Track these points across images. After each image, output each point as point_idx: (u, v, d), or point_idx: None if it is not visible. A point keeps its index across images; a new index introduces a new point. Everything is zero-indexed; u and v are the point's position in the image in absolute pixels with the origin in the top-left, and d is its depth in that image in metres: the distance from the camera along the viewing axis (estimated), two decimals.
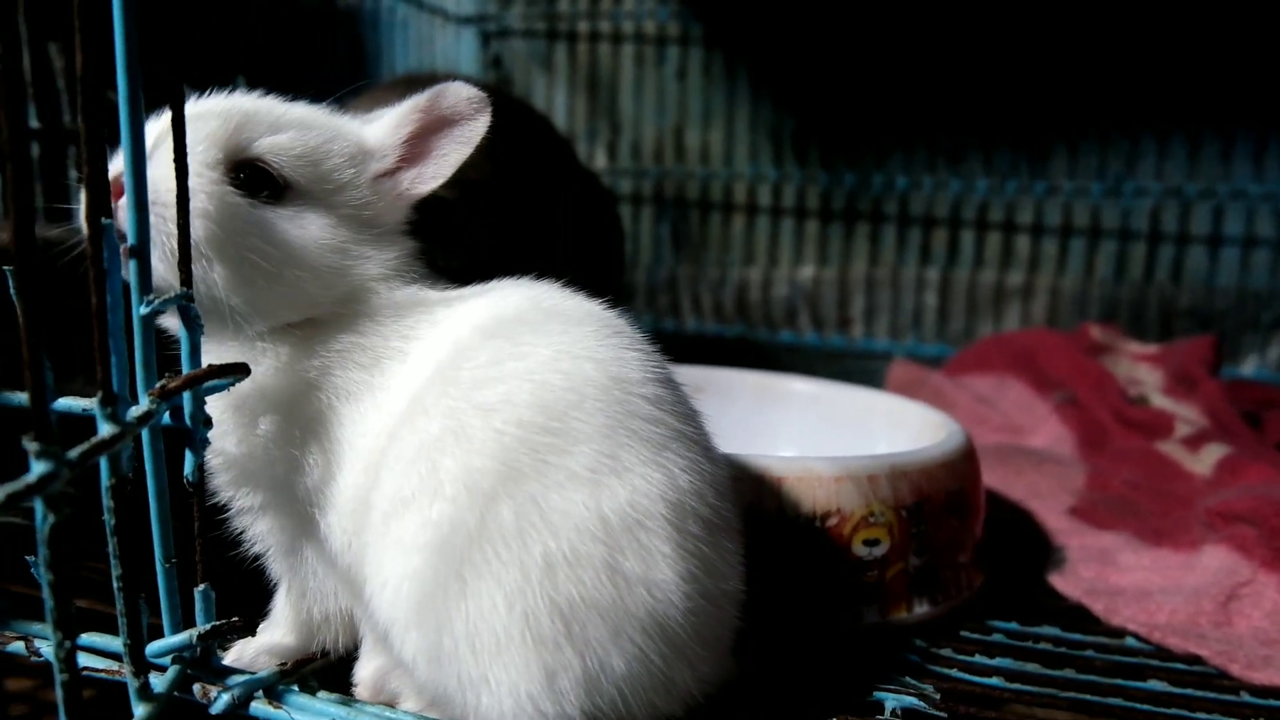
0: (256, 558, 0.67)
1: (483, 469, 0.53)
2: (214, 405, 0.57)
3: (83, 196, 0.59)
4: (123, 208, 0.52)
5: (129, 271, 0.51)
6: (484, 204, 1.19)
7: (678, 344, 0.64)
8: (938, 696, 0.71)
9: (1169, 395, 1.54)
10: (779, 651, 0.78)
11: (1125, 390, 1.57)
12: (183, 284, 0.54)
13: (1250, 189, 1.78)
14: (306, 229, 0.62)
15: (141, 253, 0.51)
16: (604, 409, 0.55)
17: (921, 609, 0.84)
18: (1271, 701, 0.75)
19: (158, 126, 0.57)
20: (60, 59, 1.18)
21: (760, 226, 2.08)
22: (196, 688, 0.57)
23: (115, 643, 0.62)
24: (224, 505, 0.65)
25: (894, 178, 1.96)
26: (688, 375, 0.66)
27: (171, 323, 0.59)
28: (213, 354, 0.60)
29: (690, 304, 2.13)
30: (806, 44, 1.96)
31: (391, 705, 0.61)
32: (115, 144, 0.51)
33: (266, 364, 0.61)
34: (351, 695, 0.64)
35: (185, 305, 0.54)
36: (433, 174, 0.68)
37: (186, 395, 0.54)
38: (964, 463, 0.91)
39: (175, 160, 0.52)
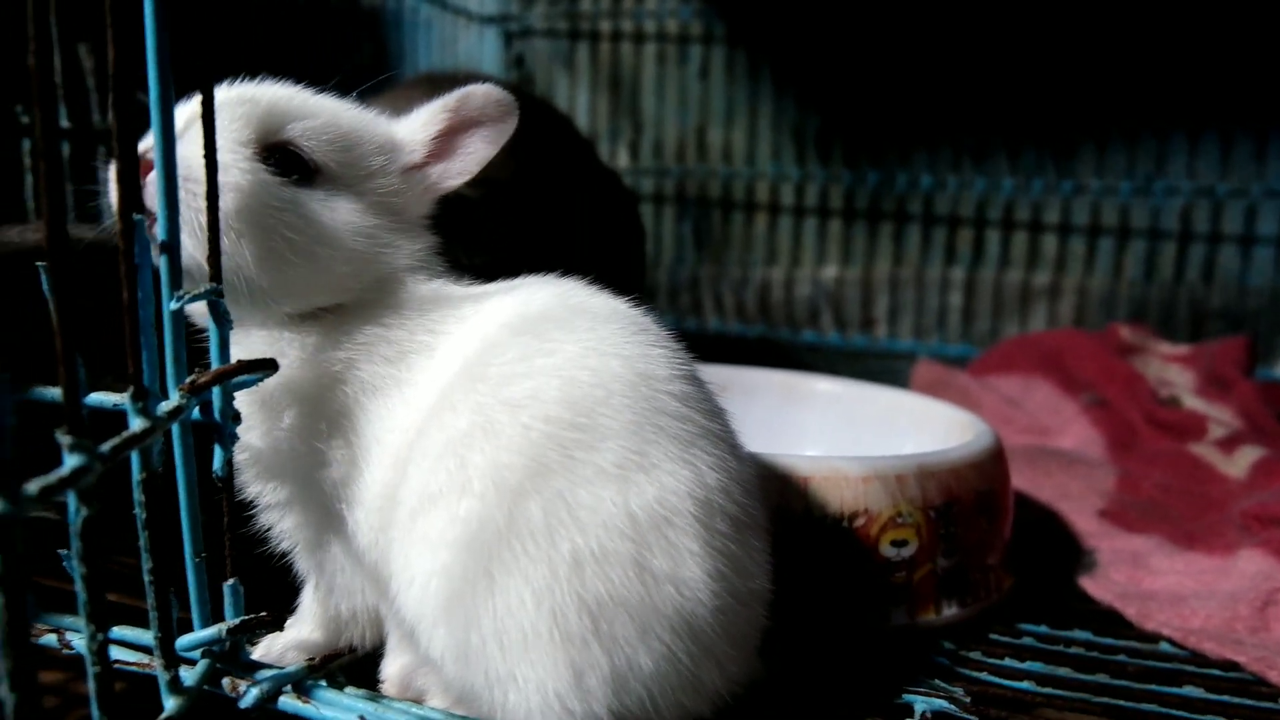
0: (284, 554, 0.67)
1: (511, 465, 0.53)
2: (239, 399, 0.57)
3: (114, 190, 0.60)
4: (150, 183, 0.52)
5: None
6: (507, 202, 1.19)
7: (700, 344, 0.64)
8: (968, 700, 0.70)
9: (1201, 396, 1.51)
10: (806, 653, 0.78)
11: (1156, 391, 1.55)
12: (212, 278, 0.54)
13: None
14: (336, 212, 0.63)
15: (172, 247, 0.51)
16: (631, 405, 0.55)
17: (950, 611, 0.83)
18: None
19: (187, 110, 0.58)
20: (89, 59, 1.19)
21: (783, 226, 2.07)
22: (225, 682, 0.57)
23: (145, 636, 0.62)
24: (250, 501, 0.65)
25: (918, 177, 1.94)
26: (711, 375, 0.66)
27: (197, 312, 0.59)
28: (237, 346, 0.60)
29: (712, 304, 2.12)
30: (830, 42, 1.94)
31: (419, 702, 0.61)
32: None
33: (292, 356, 0.61)
34: (378, 692, 0.63)
35: (215, 300, 0.54)
36: (459, 170, 0.69)
37: (215, 390, 0.54)
38: (993, 463, 0.90)
39: (205, 150, 0.52)
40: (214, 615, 0.57)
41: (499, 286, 0.67)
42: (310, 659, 0.64)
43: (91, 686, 0.44)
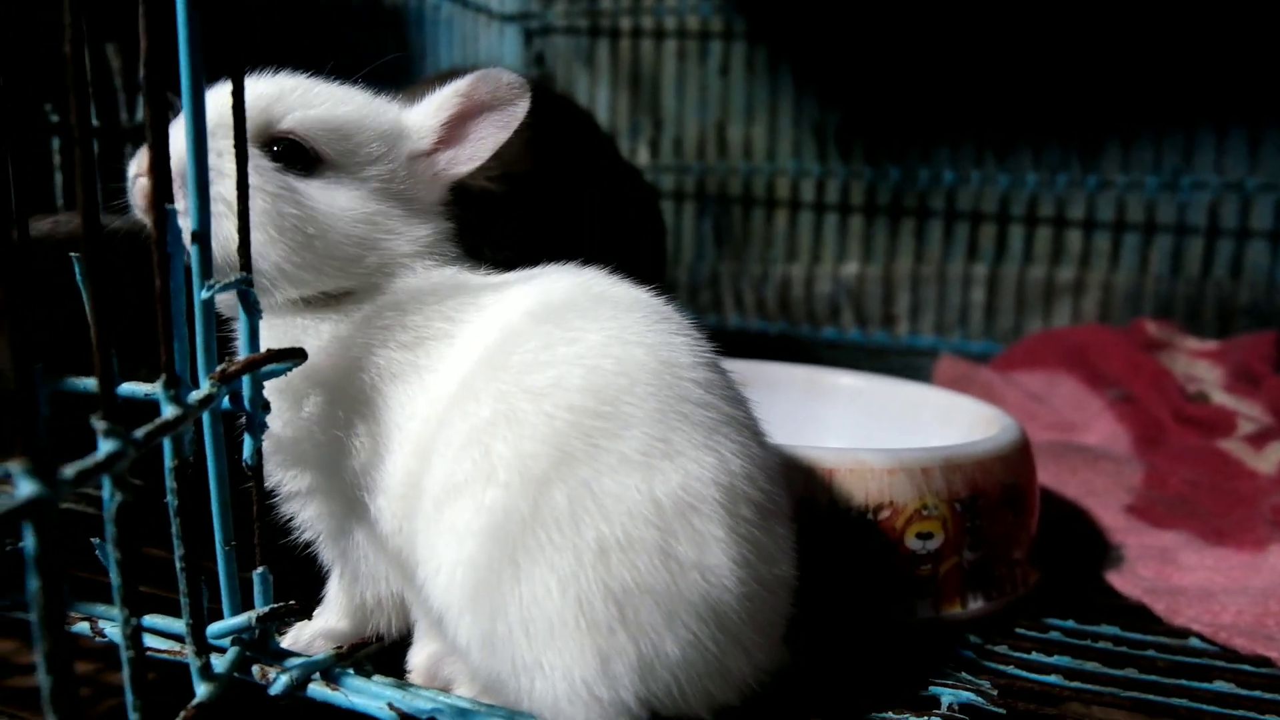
0: (308, 545, 0.68)
1: (535, 454, 0.53)
2: None
3: (138, 186, 0.61)
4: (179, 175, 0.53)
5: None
6: (526, 197, 1.19)
7: (720, 340, 0.64)
8: (995, 692, 0.70)
9: (1230, 392, 1.49)
10: (832, 645, 0.77)
11: (1184, 387, 1.53)
12: (242, 268, 0.55)
13: None
14: (335, 199, 0.64)
15: (204, 237, 0.51)
16: (655, 393, 0.55)
17: (976, 604, 0.83)
18: None
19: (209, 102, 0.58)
20: (117, 59, 1.21)
21: (803, 222, 2.06)
22: (255, 669, 0.58)
23: (176, 624, 0.63)
24: (273, 490, 0.66)
25: (941, 172, 1.92)
26: (733, 369, 0.65)
27: (221, 303, 0.60)
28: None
29: (732, 300, 2.12)
30: (850, 38, 1.93)
31: (446, 690, 0.62)
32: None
33: (309, 344, 0.61)
34: (405, 680, 0.64)
35: (245, 290, 0.55)
36: (469, 156, 0.69)
37: (245, 379, 0.55)
38: (1019, 457, 0.89)
39: (235, 146, 0.53)
40: (243, 604, 0.58)
41: (519, 275, 0.68)
42: (338, 647, 0.65)
43: (126, 672, 0.45)
